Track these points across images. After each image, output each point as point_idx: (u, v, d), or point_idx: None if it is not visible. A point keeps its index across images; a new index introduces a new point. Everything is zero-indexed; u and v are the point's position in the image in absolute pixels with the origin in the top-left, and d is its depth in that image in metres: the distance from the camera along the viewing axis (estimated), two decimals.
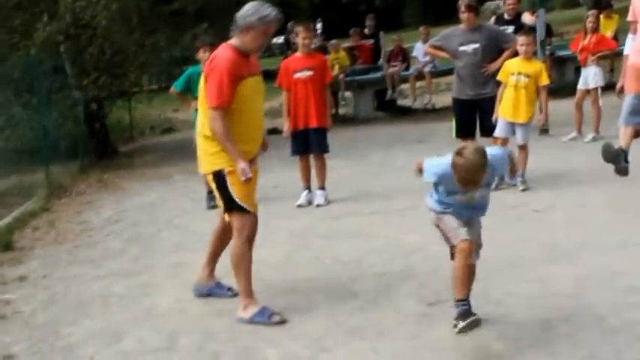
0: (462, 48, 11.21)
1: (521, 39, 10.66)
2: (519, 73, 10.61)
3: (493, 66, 11.19)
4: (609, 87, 18.03)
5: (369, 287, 7.24)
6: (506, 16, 15.81)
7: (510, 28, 14.75)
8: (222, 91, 6.54)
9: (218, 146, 6.66)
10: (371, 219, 9.80)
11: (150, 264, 8.96)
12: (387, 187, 11.62)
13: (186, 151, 11.90)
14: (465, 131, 11.20)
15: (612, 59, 20.36)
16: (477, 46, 11.15)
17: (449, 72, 18.81)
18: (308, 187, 11.32)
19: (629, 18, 10.02)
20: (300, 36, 11.07)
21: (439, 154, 6.09)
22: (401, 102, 22.45)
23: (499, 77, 10.81)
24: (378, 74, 21.48)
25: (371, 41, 22.55)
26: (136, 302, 7.61)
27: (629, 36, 10.26)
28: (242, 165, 6.57)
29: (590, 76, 14.44)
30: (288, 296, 7.30)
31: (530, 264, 7.55)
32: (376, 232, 9.12)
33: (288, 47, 26.82)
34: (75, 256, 9.65)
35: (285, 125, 11.15)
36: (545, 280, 7.02)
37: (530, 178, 10.88)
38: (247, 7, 6.73)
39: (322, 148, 11.18)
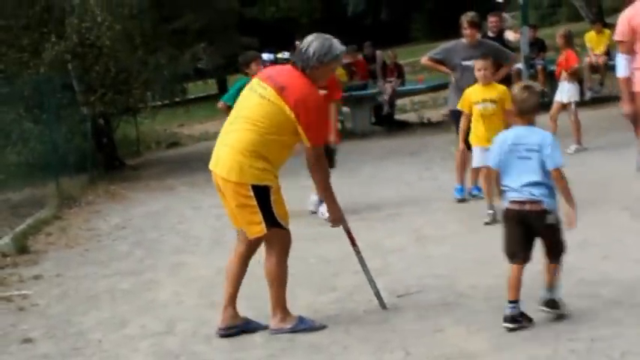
0: (465, 63, 11.42)
1: (478, 64, 10.43)
2: (484, 101, 10.32)
3: (497, 77, 11.37)
4: (602, 100, 19.20)
5: (347, 283, 8.17)
6: (489, 34, 16.24)
7: None
8: (328, 130, 7.11)
9: (266, 164, 6.69)
10: (355, 225, 10.58)
11: (153, 264, 9.99)
12: (374, 197, 12.31)
13: (189, 164, 12.85)
14: (467, 143, 11.14)
15: (603, 73, 21.31)
16: None
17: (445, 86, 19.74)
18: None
19: (618, 37, 10.14)
20: None
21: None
22: (398, 117, 23.04)
23: (459, 106, 10.78)
24: (375, 89, 21.84)
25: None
26: (140, 296, 8.64)
27: (621, 56, 10.18)
28: (338, 213, 7.16)
29: (564, 92, 15.04)
30: None
31: (496, 262, 8.51)
32: (359, 236, 10.03)
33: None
34: (85, 258, 10.69)
35: None
36: (505, 275, 7.97)
37: None
38: (317, 46, 6.76)
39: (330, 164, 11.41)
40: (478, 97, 10.35)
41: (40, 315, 8.33)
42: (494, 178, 6.80)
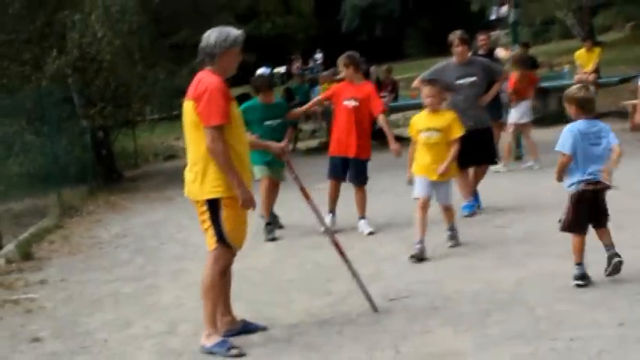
0: (460, 82, 11.41)
1: (425, 90, 9.81)
2: (429, 129, 9.70)
3: (487, 98, 11.77)
4: None
5: (341, 288, 8.54)
6: (480, 52, 16.41)
7: None
8: (220, 108, 6.76)
9: (215, 174, 6.84)
10: (350, 234, 11.09)
11: (154, 270, 10.39)
12: (368, 208, 12.09)
13: None
14: (466, 162, 11.17)
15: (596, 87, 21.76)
16: (474, 79, 11.49)
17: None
18: (332, 211, 11.53)
19: None
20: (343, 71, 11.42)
21: None
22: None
23: (409, 133, 10.25)
24: None
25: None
26: (142, 299, 9.03)
27: None
28: (247, 194, 6.86)
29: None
30: (271, 293, 8.77)
31: (481, 269, 8.93)
32: (353, 245, 10.44)
33: (289, 77, 28.00)
34: (88, 265, 11.08)
35: (296, 111, 12.40)
36: (491, 281, 8.39)
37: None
38: (217, 34, 6.94)
39: (360, 180, 11.42)
40: (423, 125, 9.76)
41: (47, 316, 8.71)
42: (565, 163, 7.75)
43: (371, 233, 11.12)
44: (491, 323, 7.10)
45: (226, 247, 7.01)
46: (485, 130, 11.70)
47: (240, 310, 7.93)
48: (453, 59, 11.67)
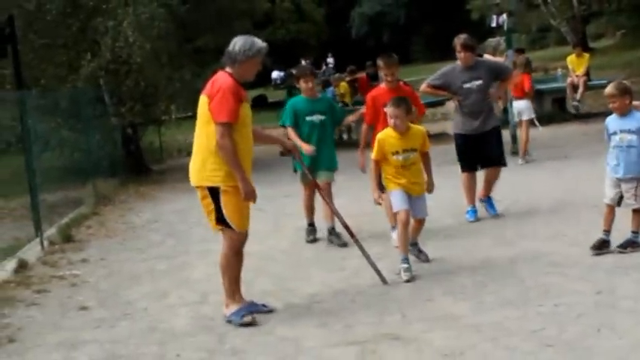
0: (467, 86, 10.86)
1: (390, 111, 8.64)
2: (405, 151, 8.62)
3: (496, 93, 11.51)
4: (582, 116, 20.16)
5: (354, 264, 9.08)
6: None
7: None
8: (230, 107, 7.09)
9: (215, 164, 7.23)
10: (362, 219, 11.51)
11: (184, 250, 10.92)
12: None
13: None
14: (471, 164, 11.12)
15: (583, 92, 22.29)
16: (480, 82, 10.84)
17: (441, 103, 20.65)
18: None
19: None
20: (383, 72, 10.15)
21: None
22: None
23: (373, 156, 8.84)
24: None
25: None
26: (176, 274, 9.57)
27: None
28: (249, 187, 7.19)
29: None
30: (291, 269, 9.37)
31: (479, 248, 9.46)
32: (363, 228, 10.86)
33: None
34: (124, 246, 11.61)
35: (360, 158, 10.26)
36: (489, 258, 8.94)
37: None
38: (243, 42, 7.30)
39: None
40: (397, 147, 8.63)
41: (90, 289, 9.24)
42: None
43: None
44: (486, 293, 7.65)
45: (229, 228, 7.33)
46: (493, 131, 11.08)
47: (265, 283, 8.59)
48: (459, 63, 11.04)
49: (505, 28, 18.57)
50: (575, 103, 22.27)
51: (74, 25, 18.65)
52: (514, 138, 17.07)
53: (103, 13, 18.28)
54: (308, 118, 10.34)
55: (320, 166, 10.31)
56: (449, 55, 12.43)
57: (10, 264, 10.49)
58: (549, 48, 52.36)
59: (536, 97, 21.14)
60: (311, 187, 10.22)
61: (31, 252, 11.32)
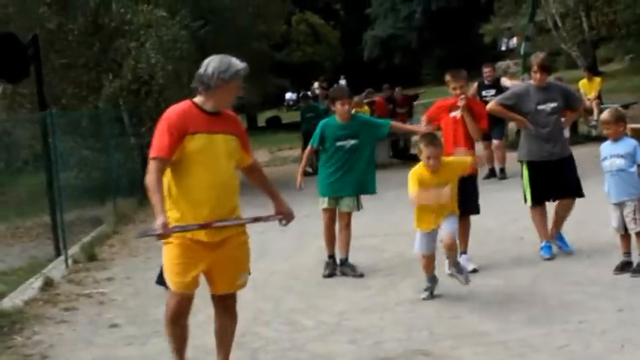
0: (541, 107, 9.88)
1: (426, 151, 8.26)
2: (437, 185, 8.18)
3: (567, 123, 10.77)
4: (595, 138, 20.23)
5: (379, 283, 9.31)
6: (486, 82, 17.26)
7: (492, 92, 16.53)
8: (161, 142, 5.86)
9: (170, 203, 6.01)
10: (381, 240, 11.70)
11: None
12: (397, 217, 13.00)
13: None
14: (546, 195, 10.07)
15: (597, 115, 22.38)
16: (555, 104, 9.93)
17: None
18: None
19: None
20: (451, 86, 9.74)
21: None
22: (413, 151, 24.04)
23: (410, 190, 8.33)
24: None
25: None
26: (203, 293, 9.57)
27: None
28: (160, 220, 5.68)
29: None
30: (317, 287, 9.55)
31: (498, 267, 9.59)
32: (386, 248, 11.10)
33: (315, 99, 28.87)
34: (148, 265, 11.65)
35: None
36: (511, 276, 9.09)
37: None
38: (217, 64, 6.06)
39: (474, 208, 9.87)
40: (426, 184, 8.27)
41: (119, 307, 9.38)
42: None
43: (475, 270, 9.43)
44: (510, 311, 7.80)
45: (166, 287, 6.37)
46: (568, 159, 10.12)
47: (293, 301, 8.73)
48: (531, 82, 10.26)
49: (521, 52, 18.71)
50: (593, 123, 22.38)
51: (96, 46, 18.86)
52: None
53: (124, 34, 18.48)
54: (338, 144, 9.84)
55: (345, 192, 9.96)
56: None
57: (37, 282, 10.56)
58: (558, 72, 52.46)
59: None
60: (330, 215, 10.07)
61: (56, 270, 11.43)
